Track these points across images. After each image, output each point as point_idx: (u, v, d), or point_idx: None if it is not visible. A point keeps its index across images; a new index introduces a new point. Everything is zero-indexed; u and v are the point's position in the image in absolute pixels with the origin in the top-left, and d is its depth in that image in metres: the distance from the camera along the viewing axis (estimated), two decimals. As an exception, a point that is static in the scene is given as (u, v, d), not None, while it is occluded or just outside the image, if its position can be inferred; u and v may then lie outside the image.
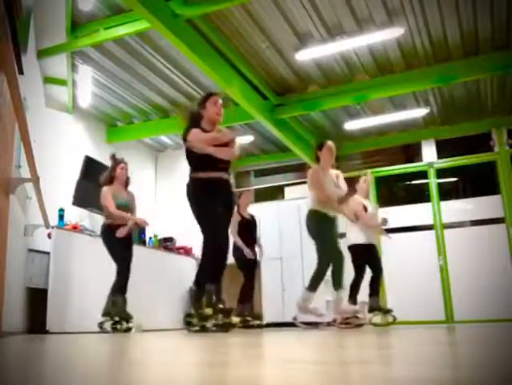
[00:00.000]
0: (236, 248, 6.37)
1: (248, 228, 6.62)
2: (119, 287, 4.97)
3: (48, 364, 1.44)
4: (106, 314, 4.96)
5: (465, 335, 2.94)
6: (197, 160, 3.89)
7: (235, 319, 3.71)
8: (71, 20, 5.26)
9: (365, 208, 5.73)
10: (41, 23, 5.14)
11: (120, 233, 5.05)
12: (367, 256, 5.75)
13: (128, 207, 5.27)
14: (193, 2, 4.83)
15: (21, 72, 3.07)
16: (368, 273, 5.83)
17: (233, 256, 6.22)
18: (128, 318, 4.99)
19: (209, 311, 3.75)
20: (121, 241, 5.09)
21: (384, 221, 5.96)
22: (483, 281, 7.29)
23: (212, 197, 3.82)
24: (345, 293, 4.93)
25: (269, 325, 7.45)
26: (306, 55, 5.86)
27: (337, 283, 4.74)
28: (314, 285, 4.78)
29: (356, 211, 5.62)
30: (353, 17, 5.28)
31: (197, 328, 3.75)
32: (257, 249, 6.72)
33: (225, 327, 3.65)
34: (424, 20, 5.36)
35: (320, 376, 0.95)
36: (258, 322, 6.47)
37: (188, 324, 3.86)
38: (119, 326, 4.93)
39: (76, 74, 6.19)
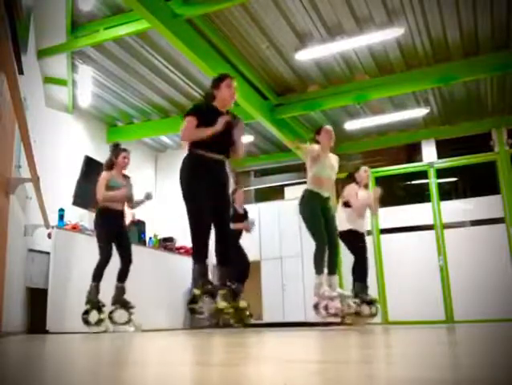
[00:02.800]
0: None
1: (239, 222, 6.64)
2: (94, 273, 4.98)
3: (48, 364, 1.44)
4: (87, 302, 4.98)
5: (465, 335, 2.94)
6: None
7: (221, 304, 3.62)
8: (71, 20, 5.26)
9: (356, 196, 5.69)
10: (41, 23, 5.14)
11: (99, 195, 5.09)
12: (355, 240, 5.70)
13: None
14: (192, 2, 4.83)
15: (21, 72, 3.07)
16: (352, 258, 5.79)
17: None
18: (98, 306, 4.98)
19: (195, 291, 3.69)
20: (110, 228, 5.09)
21: (377, 192, 5.91)
22: (483, 281, 7.28)
23: (199, 177, 3.74)
24: (327, 278, 4.85)
25: (269, 325, 7.45)
26: (306, 55, 5.85)
27: (316, 267, 4.77)
28: (316, 266, 4.77)
29: (350, 198, 5.63)
30: (353, 17, 5.28)
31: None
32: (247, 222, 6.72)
33: (216, 316, 3.62)
34: (424, 20, 5.36)
35: (320, 376, 0.95)
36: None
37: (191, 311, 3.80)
38: (89, 317, 4.93)
39: (76, 75, 6.19)
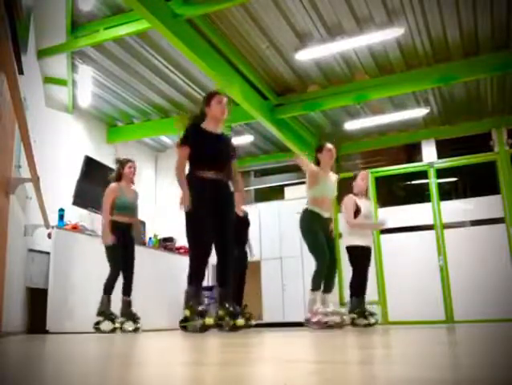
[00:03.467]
0: None
1: (238, 227, 6.54)
2: (105, 286, 5.03)
3: (48, 364, 1.44)
4: (99, 313, 5.01)
5: (465, 335, 2.94)
6: (192, 158, 3.92)
7: (208, 320, 3.68)
8: (71, 20, 5.26)
9: (358, 209, 5.54)
10: (41, 23, 5.14)
11: (106, 240, 5.08)
12: (362, 257, 5.65)
13: (130, 207, 5.31)
14: (192, 2, 4.83)
15: (21, 72, 3.07)
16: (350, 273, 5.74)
17: None
18: (111, 317, 5.02)
19: (186, 312, 3.79)
20: (118, 242, 5.10)
21: (383, 223, 5.92)
22: (483, 281, 7.29)
23: (199, 198, 3.79)
24: (322, 296, 4.81)
25: (269, 325, 7.45)
26: (306, 55, 5.85)
27: (314, 284, 4.75)
28: (314, 283, 4.76)
29: (347, 218, 5.54)
30: (353, 17, 5.28)
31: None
32: (247, 248, 6.59)
33: (202, 329, 3.67)
34: (424, 20, 5.36)
35: (320, 376, 0.95)
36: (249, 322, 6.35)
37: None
38: (101, 326, 4.97)
39: (76, 75, 6.18)
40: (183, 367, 1.20)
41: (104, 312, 5.00)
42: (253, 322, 6.37)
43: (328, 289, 4.87)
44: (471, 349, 1.71)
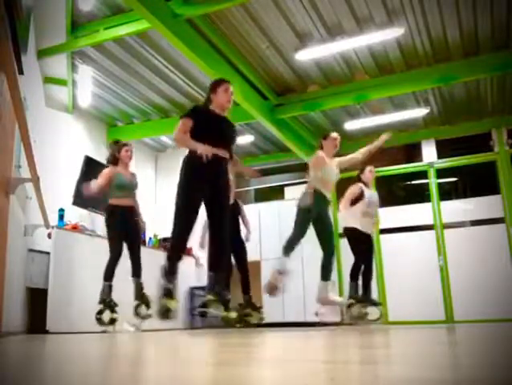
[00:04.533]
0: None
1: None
2: (105, 272, 4.94)
3: (48, 364, 1.44)
4: (101, 301, 4.97)
5: (465, 335, 2.94)
6: (194, 135, 3.75)
7: (170, 303, 3.67)
8: (71, 20, 5.26)
9: (362, 195, 5.68)
10: (41, 23, 5.14)
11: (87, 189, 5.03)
12: (362, 241, 5.66)
13: (129, 188, 5.21)
14: (192, 2, 4.83)
15: (21, 72, 3.07)
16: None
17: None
18: (112, 306, 4.94)
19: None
20: (119, 224, 5.03)
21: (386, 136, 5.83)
22: (483, 281, 7.28)
23: (196, 174, 3.71)
24: (329, 285, 4.95)
25: (269, 325, 7.45)
26: (306, 55, 5.85)
27: (323, 275, 4.95)
28: (286, 249, 4.91)
29: (348, 197, 5.67)
30: (353, 17, 5.28)
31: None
32: (243, 236, 6.22)
33: (165, 313, 3.67)
34: (424, 20, 5.36)
35: (320, 376, 0.95)
36: (258, 317, 6.17)
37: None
38: (103, 316, 4.89)
39: (76, 75, 6.18)
40: (182, 367, 1.20)
41: (105, 300, 4.92)
42: (263, 316, 6.19)
43: (326, 276, 4.95)
44: (471, 349, 1.71)
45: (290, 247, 4.91)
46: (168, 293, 3.71)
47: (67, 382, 0.97)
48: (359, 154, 5.49)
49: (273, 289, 4.94)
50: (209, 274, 3.85)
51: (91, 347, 2.35)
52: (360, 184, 5.80)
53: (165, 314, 3.66)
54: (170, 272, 3.79)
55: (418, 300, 7.54)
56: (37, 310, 5.12)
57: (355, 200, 5.69)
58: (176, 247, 3.83)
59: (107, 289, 4.95)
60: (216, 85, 3.97)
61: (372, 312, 5.51)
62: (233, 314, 3.85)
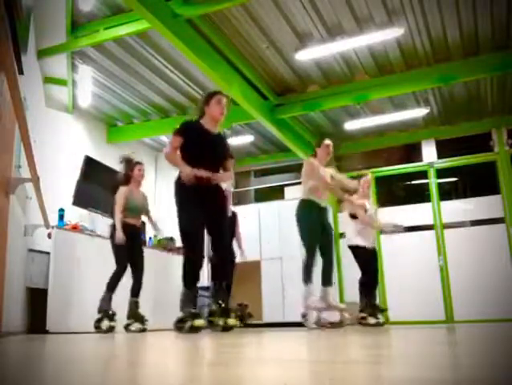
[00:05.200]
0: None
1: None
2: (108, 284, 5.01)
3: (48, 364, 1.44)
4: (100, 310, 5.02)
5: (465, 335, 2.94)
6: (184, 153, 3.82)
7: (198, 322, 3.63)
8: (71, 20, 5.26)
9: (365, 210, 5.69)
10: (41, 23, 5.14)
11: (118, 239, 5.05)
12: (368, 257, 5.69)
13: (139, 210, 5.34)
14: (192, 2, 4.83)
15: (21, 72, 3.07)
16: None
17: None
18: (110, 315, 4.99)
19: (181, 314, 3.75)
20: (126, 243, 5.08)
21: (396, 227, 5.93)
22: (483, 281, 7.29)
23: (189, 198, 3.76)
24: (322, 289, 4.87)
25: (269, 325, 7.46)
26: (306, 55, 5.85)
27: (304, 276, 4.84)
28: (305, 276, 4.80)
29: (357, 212, 5.63)
30: (353, 17, 5.28)
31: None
32: (237, 248, 6.50)
33: (192, 330, 3.64)
34: (424, 20, 5.36)
35: (320, 376, 0.95)
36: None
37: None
38: (101, 324, 4.95)
39: (76, 75, 6.18)
40: (182, 368, 1.20)
41: (105, 310, 4.99)
42: (239, 323, 6.34)
43: (327, 281, 4.87)
44: (471, 349, 1.71)
45: (309, 271, 4.78)
46: (195, 316, 3.68)
47: (67, 382, 0.97)
48: (352, 185, 5.45)
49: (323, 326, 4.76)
50: (214, 285, 3.91)
51: (90, 347, 2.35)
52: (360, 200, 5.71)
53: (193, 331, 3.64)
54: (190, 299, 3.73)
55: (418, 300, 7.54)
56: (37, 310, 5.12)
57: (355, 216, 5.68)
58: (191, 271, 3.78)
59: (108, 299, 5.00)
60: (209, 97, 3.99)
61: (380, 318, 5.57)
62: (233, 321, 3.86)
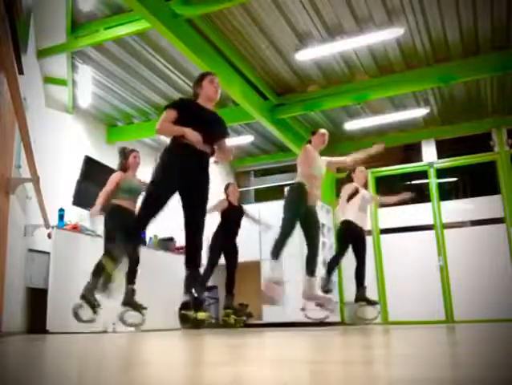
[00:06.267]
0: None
1: (235, 215, 6.48)
2: (95, 270, 4.65)
3: (48, 364, 1.44)
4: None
5: (465, 335, 2.94)
6: (179, 124, 3.65)
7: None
8: (71, 20, 5.26)
9: (357, 191, 5.77)
10: (41, 23, 5.14)
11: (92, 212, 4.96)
12: (353, 236, 5.71)
13: (136, 192, 5.19)
14: (192, 2, 4.83)
15: (21, 72, 3.07)
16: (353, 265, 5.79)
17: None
18: (94, 305, 4.74)
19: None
20: (118, 226, 4.96)
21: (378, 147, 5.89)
22: (483, 281, 7.29)
23: (173, 168, 3.56)
24: (307, 278, 4.94)
25: (269, 325, 7.45)
26: (306, 55, 5.85)
27: (309, 270, 4.94)
28: (274, 251, 4.85)
29: (345, 194, 5.72)
30: (353, 17, 5.28)
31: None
32: (252, 218, 6.59)
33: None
34: (424, 20, 5.36)
35: (320, 376, 0.95)
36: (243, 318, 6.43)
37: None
38: (79, 312, 4.72)
39: (76, 75, 6.18)
40: (182, 368, 1.20)
41: (86, 296, 4.70)
42: (244, 319, 6.40)
43: (310, 271, 4.92)
44: (471, 349, 1.71)
45: (279, 248, 4.83)
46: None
47: (67, 382, 0.97)
48: (348, 159, 5.49)
49: (270, 301, 4.86)
50: (186, 272, 3.61)
51: (90, 347, 2.35)
52: (354, 184, 5.87)
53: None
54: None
55: (418, 300, 7.54)
56: (37, 310, 5.11)
57: (350, 197, 5.75)
58: (136, 228, 3.62)
59: (93, 287, 4.60)
60: (200, 78, 3.85)
61: (370, 311, 5.56)
62: (204, 315, 3.60)
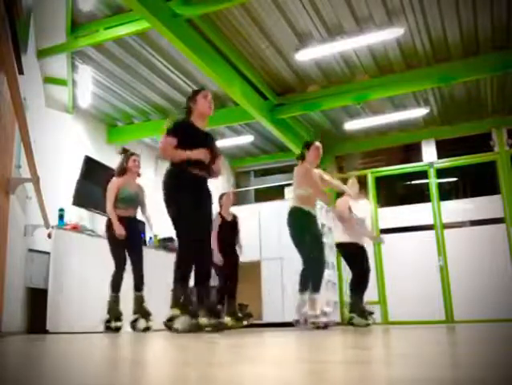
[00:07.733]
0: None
1: (228, 230, 6.49)
2: (111, 283, 4.94)
3: (48, 364, 1.44)
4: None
5: (465, 335, 2.94)
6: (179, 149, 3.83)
7: (202, 320, 3.62)
8: (71, 20, 5.26)
9: (350, 210, 5.64)
10: (41, 23, 5.14)
11: (120, 233, 4.97)
12: (355, 254, 5.64)
13: (134, 200, 5.18)
14: (192, 2, 4.83)
15: (21, 72, 3.07)
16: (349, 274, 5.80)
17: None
18: (117, 315, 4.94)
19: (175, 312, 3.72)
20: (119, 240, 4.99)
21: (378, 239, 5.96)
22: (483, 281, 7.29)
23: (183, 190, 3.77)
24: (311, 296, 4.76)
25: (269, 325, 7.46)
26: (306, 55, 5.86)
27: (302, 286, 4.82)
28: (302, 285, 4.78)
29: (342, 213, 5.61)
30: (353, 17, 5.28)
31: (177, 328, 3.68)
32: (237, 248, 6.56)
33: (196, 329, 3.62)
34: (424, 20, 5.36)
35: (319, 376, 0.95)
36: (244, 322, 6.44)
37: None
38: (111, 325, 4.90)
39: (76, 75, 6.18)
40: (181, 368, 1.20)
41: (112, 310, 4.91)
42: (245, 323, 6.42)
43: (317, 288, 4.77)
44: (471, 349, 1.71)
45: (318, 279, 4.73)
46: (192, 314, 3.68)
47: (67, 382, 0.97)
48: (341, 187, 5.48)
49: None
50: (196, 288, 3.84)
51: (90, 347, 2.35)
52: (348, 198, 5.70)
53: (198, 330, 3.61)
54: (185, 295, 3.76)
55: (418, 300, 7.54)
56: (37, 310, 5.12)
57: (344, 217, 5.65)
58: (185, 271, 3.80)
59: (113, 301, 4.91)
60: (194, 94, 4.01)
61: (370, 319, 5.54)
62: (229, 319, 3.85)
